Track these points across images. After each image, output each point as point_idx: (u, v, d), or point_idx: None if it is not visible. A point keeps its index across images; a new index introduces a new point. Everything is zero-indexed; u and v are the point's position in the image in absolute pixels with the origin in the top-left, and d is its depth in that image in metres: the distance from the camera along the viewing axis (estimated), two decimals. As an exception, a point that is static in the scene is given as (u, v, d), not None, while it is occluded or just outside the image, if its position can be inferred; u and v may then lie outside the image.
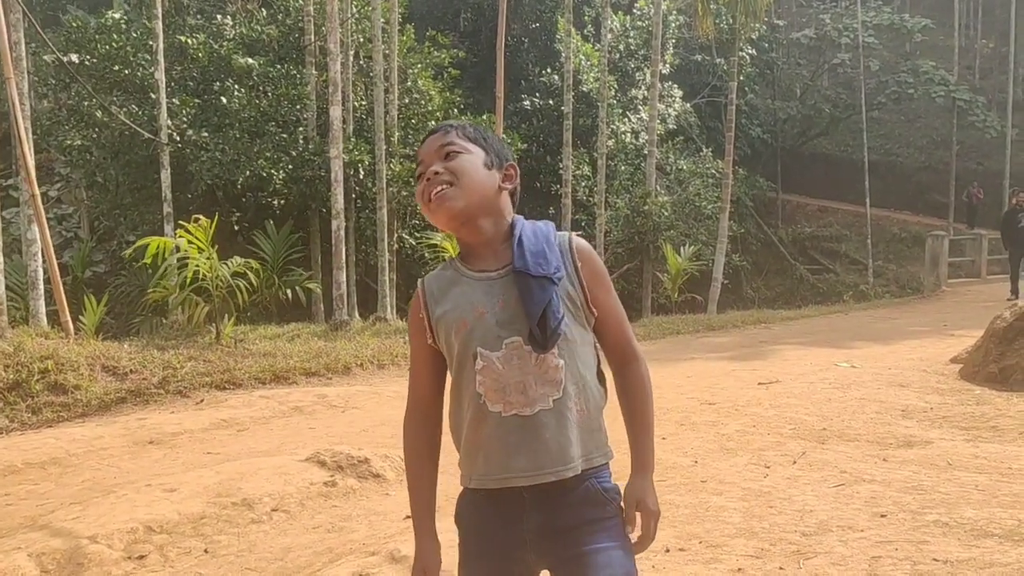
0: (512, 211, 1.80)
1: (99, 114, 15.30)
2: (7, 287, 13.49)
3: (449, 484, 1.87)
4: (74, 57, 15.31)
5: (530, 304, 1.64)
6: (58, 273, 9.82)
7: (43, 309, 10.13)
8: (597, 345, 1.78)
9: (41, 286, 10.16)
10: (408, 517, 4.32)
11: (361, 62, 17.07)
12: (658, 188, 19.74)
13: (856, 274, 24.45)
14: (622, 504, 1.74)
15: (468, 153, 1.73)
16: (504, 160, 1.79)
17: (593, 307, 1.74)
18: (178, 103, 15.07)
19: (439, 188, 1.70)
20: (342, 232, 12.94)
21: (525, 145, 19.75)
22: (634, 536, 1.74)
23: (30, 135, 10.31)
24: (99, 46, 15.47)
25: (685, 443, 5.49)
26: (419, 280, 1.85)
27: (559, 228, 1.79)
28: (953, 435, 5.46)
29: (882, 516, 3.85)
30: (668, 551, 3.56)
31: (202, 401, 7.82)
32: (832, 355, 9.58)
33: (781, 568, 3.31)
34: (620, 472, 1.74)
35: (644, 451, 1.77)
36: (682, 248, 17.60)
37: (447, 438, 1.83)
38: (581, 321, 1.72)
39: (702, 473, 4.77)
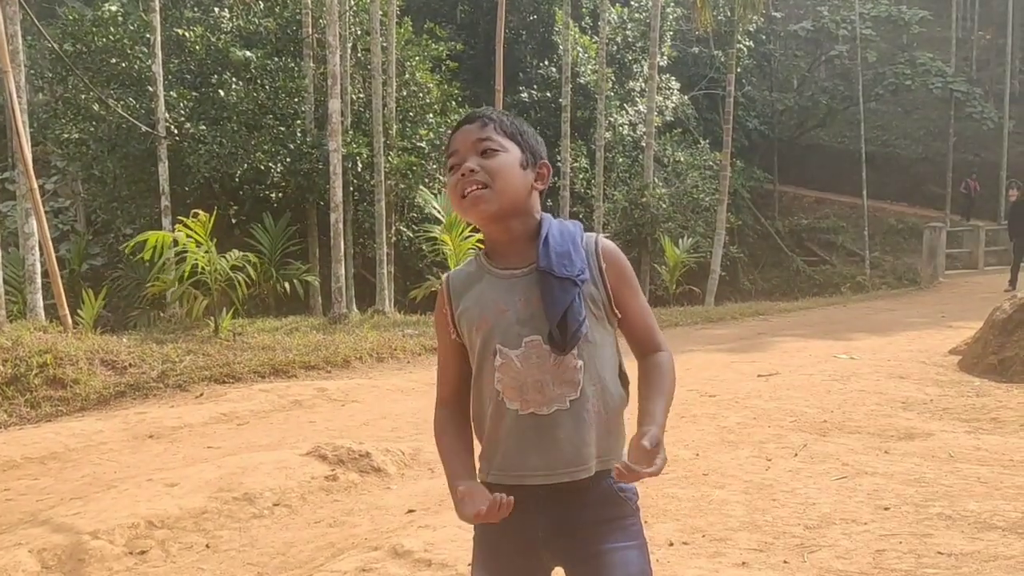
0: (539, 208, 1.78)
1: (96, 107, 15.23)
2: (4, 281, 13.45)
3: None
4: (68, 47, 15.21)
5: (551, 305, 1.63)
6: (56, 267, 9.79)
7: (41, 303, 10.09)
8: (618, 346, 1.77)
9: (39, 280, 10.11)
10: (410, 512, 4.34)
11: (359, 55, 16.99)
12: (656, 180, 19.71)
13: (853, 266, 24.44)
14: (639, 435, 1.56)
15: (505, 152, 1.70)
16: (538, 157, 1.76)
17: (617, 309, 1.73)
18: (175, 96, 15.00)
19: (473, 188, 1.68)
20: (340, 225, 12.90)
21: (523, 137, 19.67)
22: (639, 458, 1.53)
23: (27, 129, 10.26)
24: (96, 39, 15.38)
25: (686, 436, 5.49)
26: (444, 276, 1.85)
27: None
28: (954, 427, 5.47)
29: (885, 509, 3.85)
30: (672, 544, 3.56)
31: (201, 395, 7.80)
32: (831, 347, 9.59)
33: (786, 562, 3.31)
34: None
35: (656, 410, 1.63)
36: (680, 240, 17.60)
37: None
38: (603, 323, 1.71)
39: (703, 466, 4.77)
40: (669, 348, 1.79)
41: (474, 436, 1.81)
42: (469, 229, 12.15)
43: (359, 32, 16.84)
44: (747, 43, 25.48)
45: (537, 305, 1.65)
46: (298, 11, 16.59)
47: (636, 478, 1.54)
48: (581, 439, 1.66)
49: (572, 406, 1.65)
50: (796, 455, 4.90)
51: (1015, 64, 30.23)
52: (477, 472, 1.76)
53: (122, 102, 14.93)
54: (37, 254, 10.04)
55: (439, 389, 1.85)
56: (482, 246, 1.82)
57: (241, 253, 10.93)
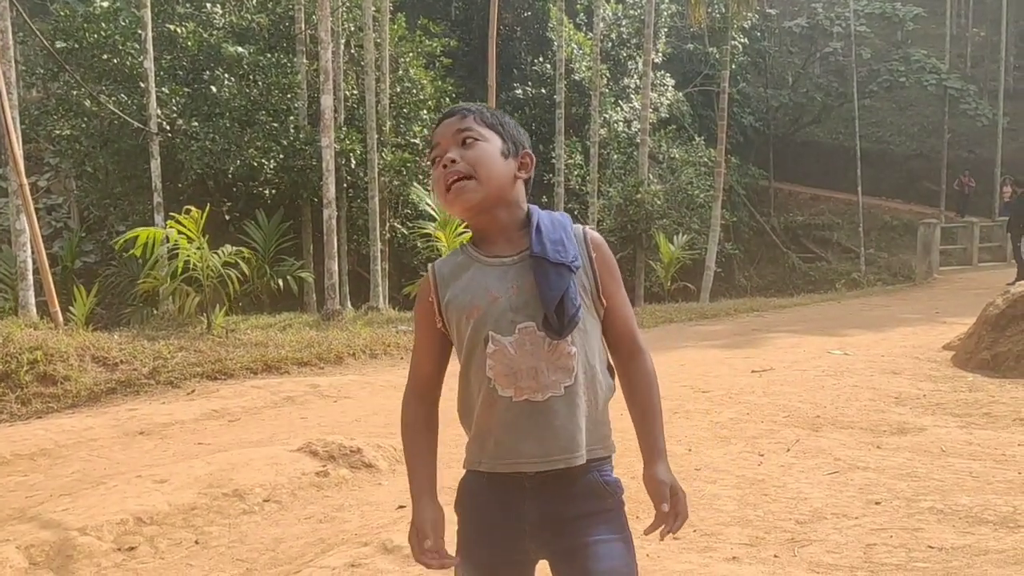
0: (526, 198, 1.78)
1: (88, 103, 15.16)
2: (-4, 278, 13.39)
3: (446, 474, 1.85)
4: (59, 43, 15.15)
5: (547, 290, 1.63)
6: (47, 263, 9.75)
7: (32, 300, 10.05)
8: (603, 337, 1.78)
9: (30, 276, 10.09)
10: (401, 507, 4.32)
11: (352, 51, 16.96)
12: (651, 177, 19.70)
13: (848, 262, 24.48)
14: (660, 493, 1.72)
15: (485, 141, 1.71)
16: (520, 147, 1.77)
17: (604, 298, 1.74)
18: (168, 92, 14.93)
19: (456, 179, 1.68)
20: (334, 221, 12.87)
21: (518, 134, 19.67)
22: (666, 522, 1.72)
23: (18, 125, 10.21)
24: (87, 35, 15.32)
25: (679, 431, 5.47)
26: (430, 264, 1.83)
27: None
28: (946, 422, 5.46)
29: (876, 503, 3.84)
30: (662, 540, 3.54)
31: (193, 391, 7.77)
32: (825, 343, 9.59)
33: (776, 556, 3.30)
34: (620, 464, 1.72)
35: (658, 439, 1.76)
36: (675, 237, 17.59)
37: (446, 419, 1.82)
38: (592, 311, 1.72)
39: (696, 461, 4.76)
40: (647, 347, 1.81)
41: (437, 428, 1.83)
42: (463, 226, 12.13)
43: (352, 28, 16.80)
44: (742, 40, 25.49)
45: (530, 292, 1.65)
46: (291, 7, 16.54)
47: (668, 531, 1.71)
48: (575, 425, 1.66)
49: (566, 392, 1.66)
50: (788, 450, 4.89)
51: (1009, 60, 30.25)
52: (465, 461, 1.76)
53: (114, 98, 14.87)
54: (28, 251, 10.00)
55: (411, 374, 1.84)
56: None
57: (234, 249, 10.90)
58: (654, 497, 1.71)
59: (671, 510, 1.70)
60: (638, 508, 3.91)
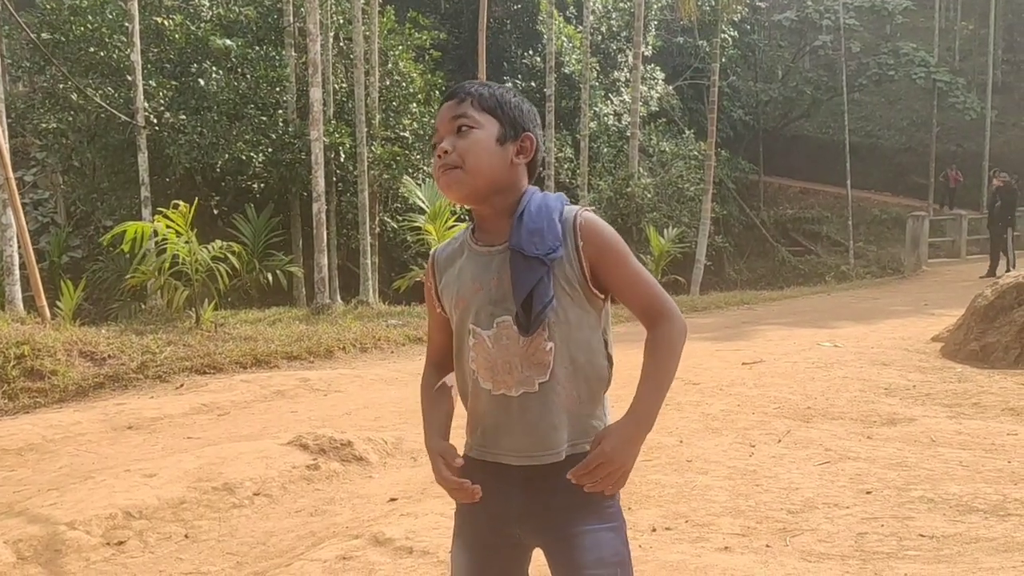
0: (527, 182, 1.73)
1: (74, 97, 15.06)
2: (-18, 273, 13.29)
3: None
4: (46, 36, 15.03)
5: (517, 285, 1.61)
6: (34, 258, 9.68)
7: (19, 295, 9.99)
8: (606, 329, 1.71)
9: (17, 271, 10.02)
10: (392, 500, 4.31)
11: (341, 43, 16.88)
12: (641, 170, 19.69)
13: (837, 255, 24.57)
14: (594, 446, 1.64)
15: (479, 128, 1.66)
16: (520, 130, 1.70)
17: (604, 284, 1.67)
18: (155, 85, 14.84)
19: (447, 169, 1.66)
20: (323, 215, 12.82)
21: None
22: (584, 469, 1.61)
23: (4, 119, 10.14)
24: (74, 27, 15.20)
25: (670, 423, 5.47)
26: (432, 250, 1.85)
27: None
28: (936, 412, 5.48)
29: (867, 493, 3.85)
30: (655, 530, 3.54)
31: (182, 386, 7.72)
32: (815, 335, 9.61)
33: (768, 546, 3.30)
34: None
35: (640, 400, 1.64)
36: (665, 230, 17.58)
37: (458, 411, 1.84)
38: (580, 303, 1.65)
39: (687, 453, 4.76)
40: (676, 312, 1.72)
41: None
42: (454, 219, 12.11)
43: (341, 20, 16.73)
44: (731, 33, 25.51)
45: (508, 285, 1.63)
46: (279, -1, 16.47)
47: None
48: (550, 423, 1.64)
49: (541, 389, 1.63)
50: (779, 441, 4.90)
51: (997, 54, 30.38)
52: (464, 445, 1.76)
53: (101, 92, 14.76)
54: (15, 245, 9.94)
55: (428, 350, 1.89)
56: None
57: (223, 243, 10.83)
58: (592, 445, 1.63)
59: (590, 466, 1.60)
60: (630, 500, 3.92)
